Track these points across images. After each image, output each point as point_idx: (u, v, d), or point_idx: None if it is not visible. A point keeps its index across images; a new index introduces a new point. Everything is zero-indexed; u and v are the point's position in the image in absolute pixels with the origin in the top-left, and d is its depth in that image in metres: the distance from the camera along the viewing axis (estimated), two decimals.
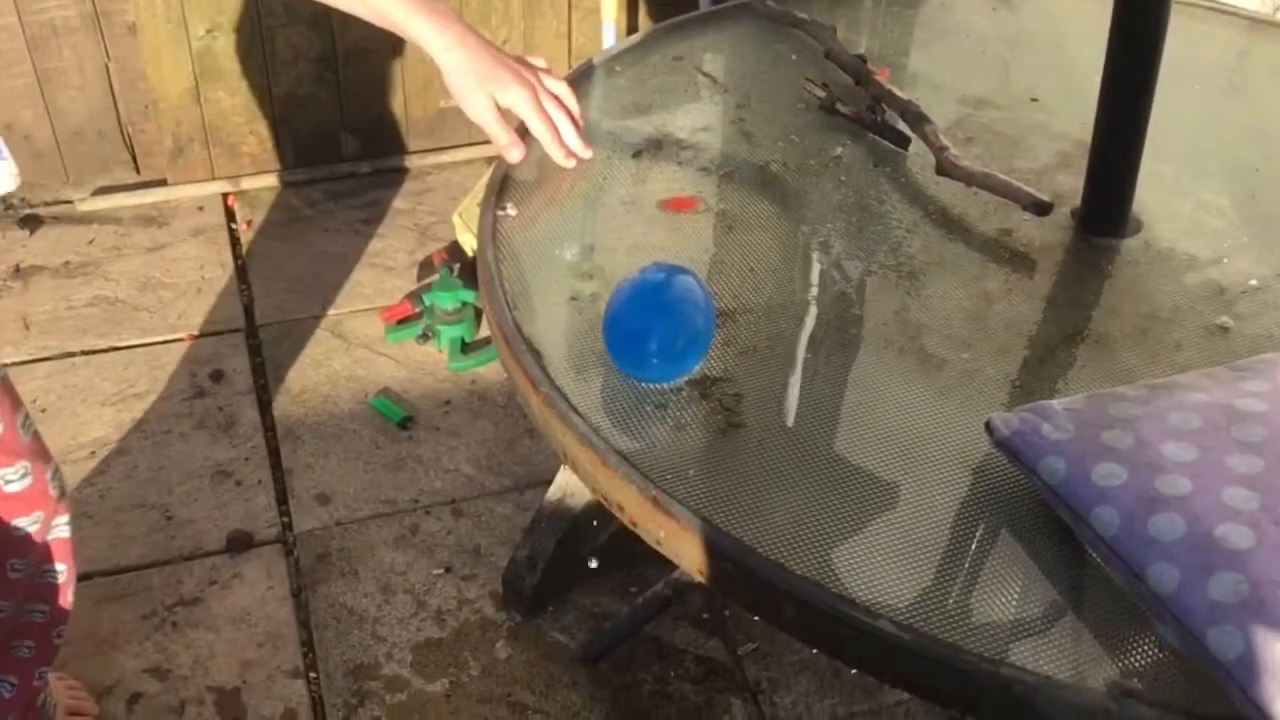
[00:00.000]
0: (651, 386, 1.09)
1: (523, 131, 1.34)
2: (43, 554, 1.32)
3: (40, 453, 1.27)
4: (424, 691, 1.65)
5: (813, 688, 1.67)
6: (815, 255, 1.30)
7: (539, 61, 1.37)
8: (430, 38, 1.24)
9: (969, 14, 1.77)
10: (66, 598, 1.38)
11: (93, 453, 1.97)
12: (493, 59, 1.28)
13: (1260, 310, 1.22)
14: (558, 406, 1.07)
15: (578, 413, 1.06)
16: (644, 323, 1.08)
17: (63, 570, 1.36)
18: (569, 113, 1.36)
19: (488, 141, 1.33)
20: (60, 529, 1.33)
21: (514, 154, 1.33)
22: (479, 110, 1.29)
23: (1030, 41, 1.74)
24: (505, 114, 1.32)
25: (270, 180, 2.59)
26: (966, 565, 0.96)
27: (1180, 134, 1.49)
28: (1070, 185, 1.38)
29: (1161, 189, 1.39)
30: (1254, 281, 1.26)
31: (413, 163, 2.67)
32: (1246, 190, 1.41)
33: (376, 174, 2.64)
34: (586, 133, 1.40)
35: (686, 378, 1.10)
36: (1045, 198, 1.30)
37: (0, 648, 1.32)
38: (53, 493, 1.28)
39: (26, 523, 1.26)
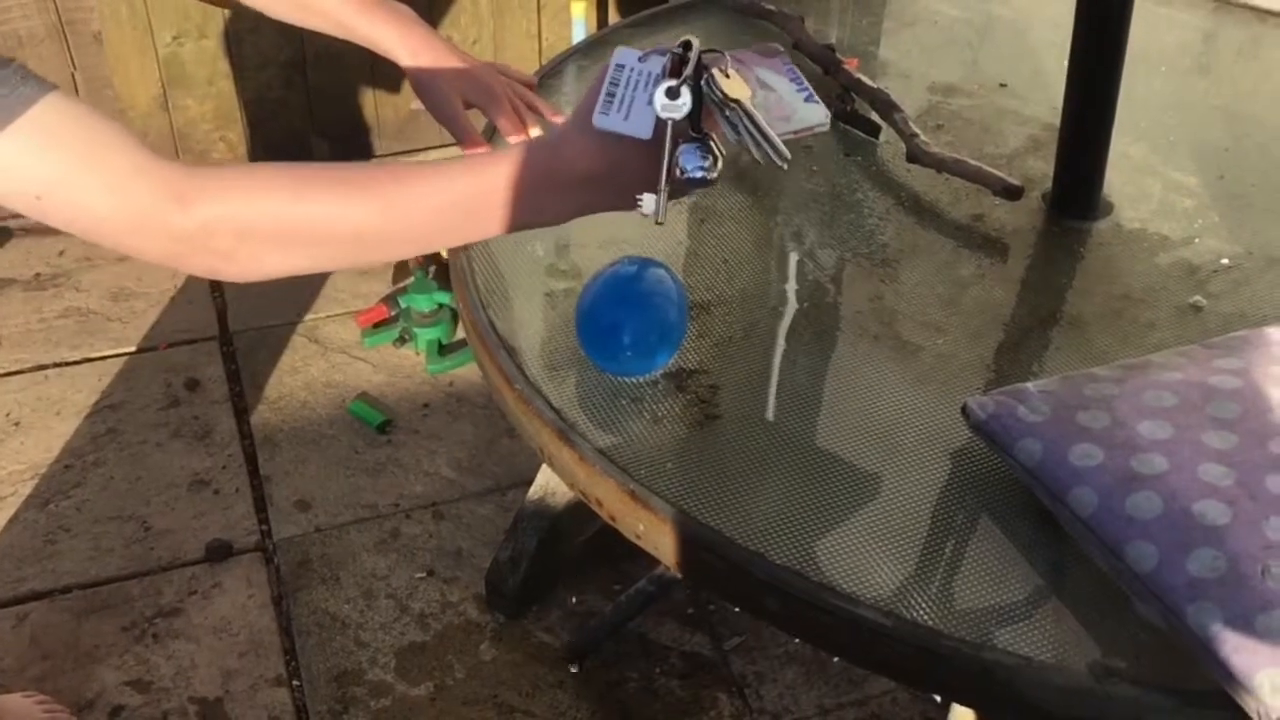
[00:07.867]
0: (628, 380, 1.09)
1: (489, 134, 1.33)
2: None
3: None
4: (408, 696, 1.64)
5: (799, 680, 1.67)
6: (788, 245, 1.30)
7: (507, 68, 1.36)
8: (394, 45, 1.23)
9: (937, 2, 1.77)
10: None
11: (68, 466, 1.96)
12: (459, 61, 1.27)
13: (1232, 288, 1.22)
14: (533, 403, 1.06)
15: (553, 409, 1.06)
16: (616, 316, 1.07)
17: None
18: (540, 111, 1.35)
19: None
20: None
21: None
22: (444, 114, 1.28)
23: (999, 27, 1.74)
24: (473, 116, 1.31)
25: None
26: (946, 550, 0.96)
27: (1149, 116, 1.49)
28: (1041, 169, 1.38)
29: (1131, 171, 1.40)
30: (1225, 260, 1.26)
31: None
32: (1216, 170, 1.41)
33: None
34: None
35: (661, 370, 1.10)
36: (1016, 182, 1.30)
37: None
38: None
39: None
